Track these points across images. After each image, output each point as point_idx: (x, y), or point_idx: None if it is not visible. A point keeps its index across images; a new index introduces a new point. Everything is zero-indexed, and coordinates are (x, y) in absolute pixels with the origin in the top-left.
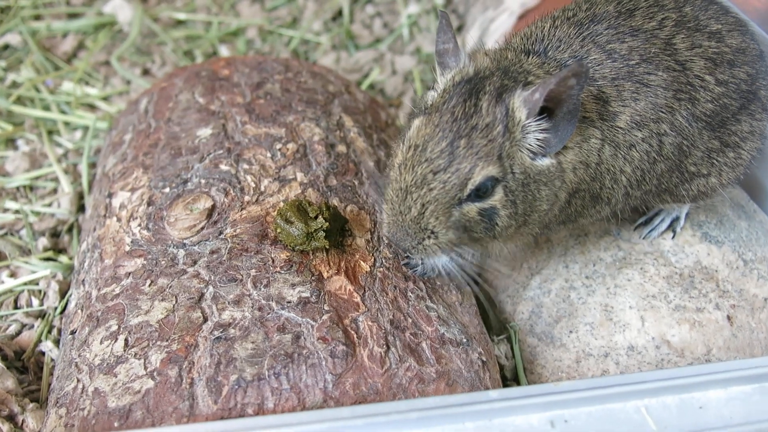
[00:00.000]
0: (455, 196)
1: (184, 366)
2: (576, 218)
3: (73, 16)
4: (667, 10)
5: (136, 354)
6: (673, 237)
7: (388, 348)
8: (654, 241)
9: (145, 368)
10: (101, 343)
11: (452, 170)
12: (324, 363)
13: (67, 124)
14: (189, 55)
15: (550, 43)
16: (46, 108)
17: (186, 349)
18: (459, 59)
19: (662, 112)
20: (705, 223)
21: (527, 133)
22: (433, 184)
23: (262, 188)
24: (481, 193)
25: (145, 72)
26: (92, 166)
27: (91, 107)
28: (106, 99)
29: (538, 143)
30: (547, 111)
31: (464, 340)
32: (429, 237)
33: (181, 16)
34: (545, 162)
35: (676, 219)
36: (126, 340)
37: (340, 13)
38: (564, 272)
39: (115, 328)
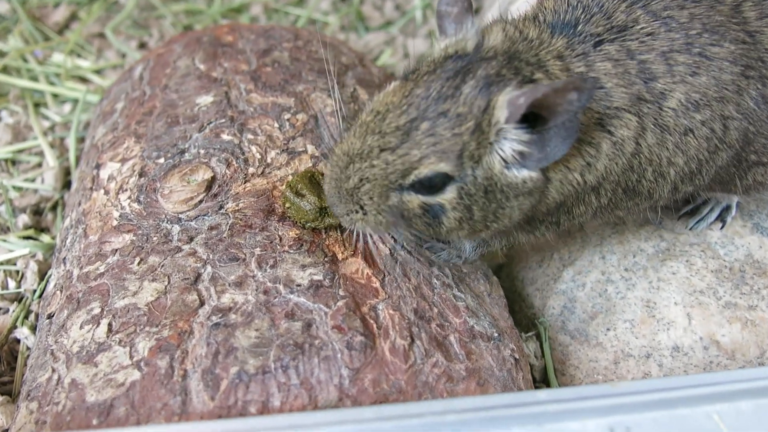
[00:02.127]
0: (395, 181)
1: (176, 356)
2: (604, 213)
3: None
4: None
5: (120, 341)
6: (722, 228)
7: (413, 340)
8: (700, 231)
9: (131, 357)
10: (81, 328)
11: (400, 153)
12: (339, 356)
13: (55, 96)
14: (189, 30)
15: (584, 12)
16: (34, 79)
17: (179, 337)
18: (462, 27)
19: (728, 90)
20: (756, 213)
21: (503, 139)
22: (375, 161)
23: (269, 160)
24: (428, 186)
25: (142, 45)
26: (81, 141)
27: (83, 80)
28: (98, 72)
29: (513, 153)
30: (540, 121)
31: (495, 335)
32: (357, 212)
33: None
34: (521, 174)
35: (727, 209)
36: (110, 324)
37: None
38: (600, 264)
39: (97, 311)
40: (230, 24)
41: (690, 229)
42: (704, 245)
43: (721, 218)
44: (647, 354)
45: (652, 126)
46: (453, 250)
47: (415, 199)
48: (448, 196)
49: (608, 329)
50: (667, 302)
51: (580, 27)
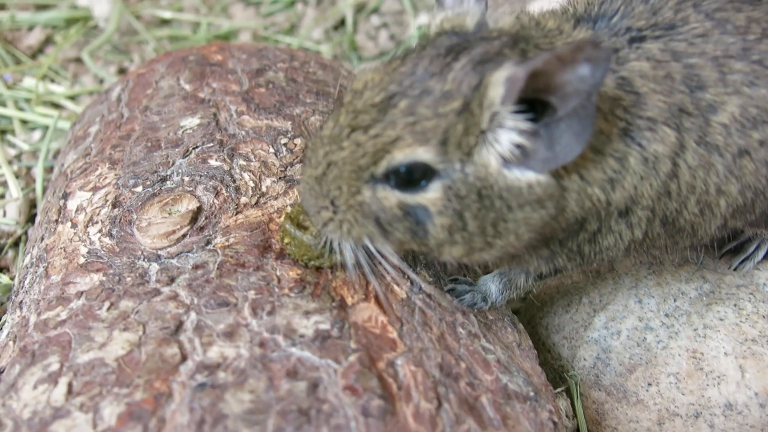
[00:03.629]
0: (366, 169)
1: (151, 425)
2: (639, 252)
3: (42, 7)
4: None
5: (82, 405)
6: None
7: (440, 403)
8: (747, 272)
9: (95, 427)
10: (35, 388)
11: (372, 133)
12: (354, 424)
13: (24, 122)
14: None
15: (624, 5)
16: (1, 104)
17: (155, 400)
18: (463, 0)
19: None
20: None
21: (498, 127)
22: (345, 143)
23: (264, 189)
24: (406, 179)
25: (121, 71)
26: (51, 171)
27: (56, 106)
28: (73, 98)
29: (512, 148)
30: (547, 111)
31: (531, 394)
32: (327, 208)
33: (166, 14)
34: (524, 177)
35: None
36: (70, 384)
37: (342, 21)
38: (636, 308)
39: (55, 367)
40: (219, 43)
41: (735, 269)
42: (752, 287)
43: None
44: (696, 413)
45: (695, 145)
46: (477, 293)
47: (391, 196)
48: (432, 195)
49: (650, 384)
50: (716, 352)
51: (615, 19)
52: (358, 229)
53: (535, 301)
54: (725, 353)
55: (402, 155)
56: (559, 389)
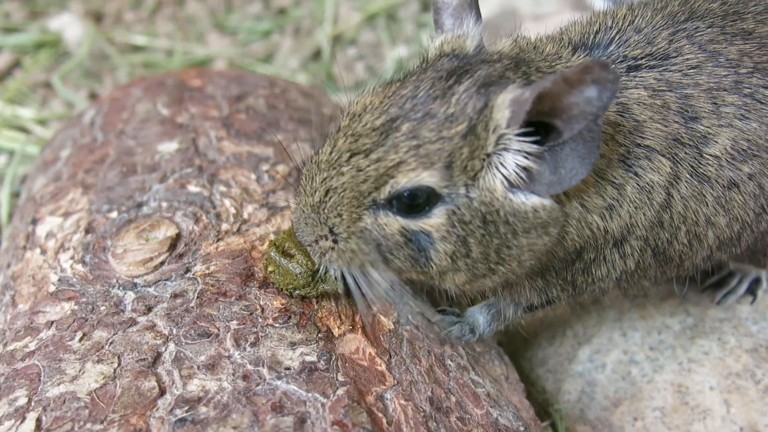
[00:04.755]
0: (368, 194)
1: None
2: (630, 282)
3: (11, 30)
4: None
5: None
6: (753, 302)
7: None
8: (729, 306)
9: None
10: (1, 424)
11: (374, 157)
12: None
13: None
14: None
15: (619, 34)
16: None
17: None
18: (462, 23)
19: None
20: None
21: (504, 151)
22: (345, 168)
23: (246, 216)
24: (409, 204)
25: (92, 96)
26: (17, 197)
27: (23, 131)
28: (42, 123)
29: (518, 171)
30: (552, 134)
31: (522, 429)
32: (326, 237)
33: (140, 40)
34: (530, 201)
35: (756, 281)
36: (38, 420)
37: (319, 52)
38: (621, 342)
39: (23, 401)
40: (198, 68)
41: (717, 303)
42: (735, 321)
43: (751, 291)
44: None
45: (688, 175)
46: (465, 324)
47: (393, 222)
48: (436, 221)
49: (635, 419)
50: (701, 387)
51: (612, 48)
52: (361, 257)
53: (522, 332)
54: (710, 387)
55: (406, 179)
56: (544, 423)
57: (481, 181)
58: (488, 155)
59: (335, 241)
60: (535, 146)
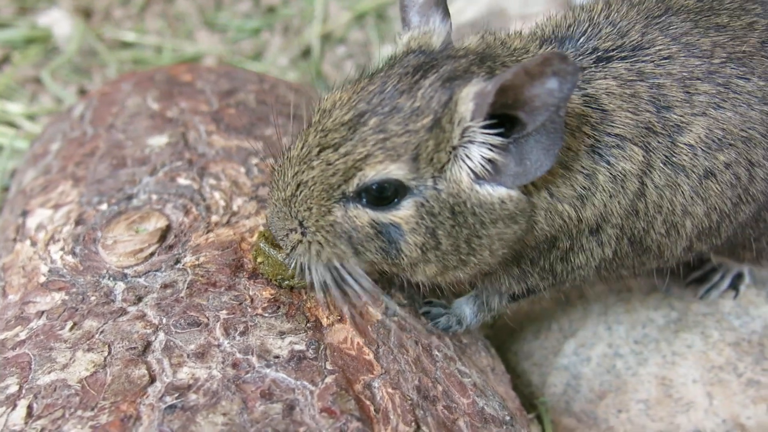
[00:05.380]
0: (338, 187)
1: None
2: (608, 271)
3: (0, 26)
4: (756, 15)
5: (43, 429)
6: (736, 296)
7: (418, 426)
8: (712, 300)
9: None
10: None
11: (343, 151)
12: None
13: None
14: None
15: (591, 27)
16: None
17: (122, 424)
18: (429, 20)
19: (756, 130)
20: None
21: (470, 143)
22: (314, 162)
23: (235, 208)
24: (377, 197)
25: (82, 92)
26: (6, 191)
27: (12, 126)
28: (31, 118)
29: (484, 163)
30: (516, 127)
31: (507, 418)
32: (296, 230)
33: (129, 37)
34: (496, 193)
35: (739, 276)
36: (29, 407)
37: (308, 50)
38: (606, 335)
39: (14, 389)
40: (188, 64)
41: (701, 297)
42: (718, 315)
43: (734, 286)
44: None
45: (661, 164)
46: (452, 316)
47: (363, 215)
48: (404, 213)
49: (620, 411)
50: (685, 379)
51: (582, 40)
52: (328, 251)
53: (510, 324)
54: (693, 380)
55: (374, 172)
56: (530, 415)
57: (448, 173)
58: (454, 148)
59: (303, 234)
60: (499, 138)
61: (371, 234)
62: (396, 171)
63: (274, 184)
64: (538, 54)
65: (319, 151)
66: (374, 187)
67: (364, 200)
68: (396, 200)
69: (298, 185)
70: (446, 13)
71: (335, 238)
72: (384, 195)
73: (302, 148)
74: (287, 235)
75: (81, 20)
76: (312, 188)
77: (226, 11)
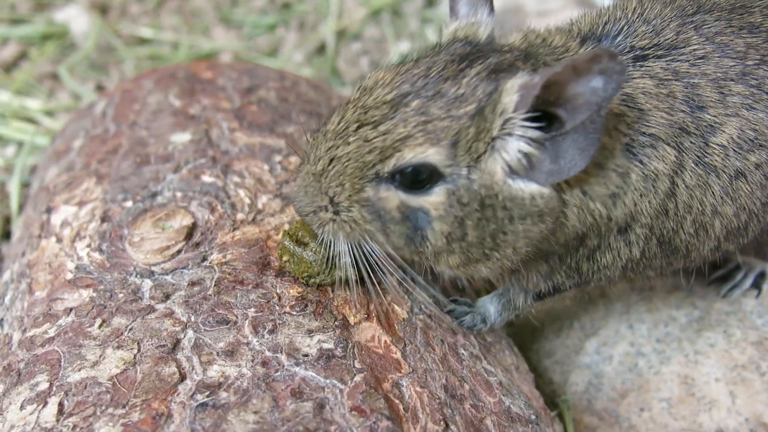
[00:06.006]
0: (372, 166)
1: None
2: (635, 272)
3: (17, 21)
4: None
5: (75, 426)
6: (758, 295)
7: (447, 425)
8: (735, 299)
9: None
10: (22, 408)
11: (382, 129)
12: None
13: None
14: None
15: (627, 26)
16: None
17: (153, 421)
18: (477, 11)
19: None
20: None
21: (509, 134)
22: (351, 138)
23: (260, 206)
24: (411, 180)
25: (99, 88)
26: (27, 187)
27: (31, 121)
28: (49, 114)
29: (520, 157)
30: (555, 125)
31: (533, 417)
32: (326, 208)
33: (147, 33)
34: (528, 189)
35: (761, 275)
36: (60, 404)
37: (323, 46)
38: (628, 334)
39: (45, 386)
40: (209, 61)
41: (723, 296)
42: (741, 314)
43: (757, 285)
44: None
45: (693, 165)
46: (477, 314)
47: (394, 197)
48: (435, 199)
49: (642, 409)
50: (707, 378)
51: (619, 38)
52: (359, 229)
53: (533, 322)
54: (716, 379)
55: (412, 154)
56: (552, 413)
57: (483, 164)
58: (493, 139)
59: (336, 213)
60: (538, 132)
61: (397, 219)
62: (434, 155)
63: (305, 158)
64: (579, 53)
65: (358, 128)
66: (410, 170)
67: (398, 182)
68: (428, 185)
69: (332, 160)
70: (492, 8)
71: (369, 214)
72: (418, 179)
73: (339, 123)
74: (315, 212)
75: (97, 16)
76: (346, 164)
77: (242, 7)
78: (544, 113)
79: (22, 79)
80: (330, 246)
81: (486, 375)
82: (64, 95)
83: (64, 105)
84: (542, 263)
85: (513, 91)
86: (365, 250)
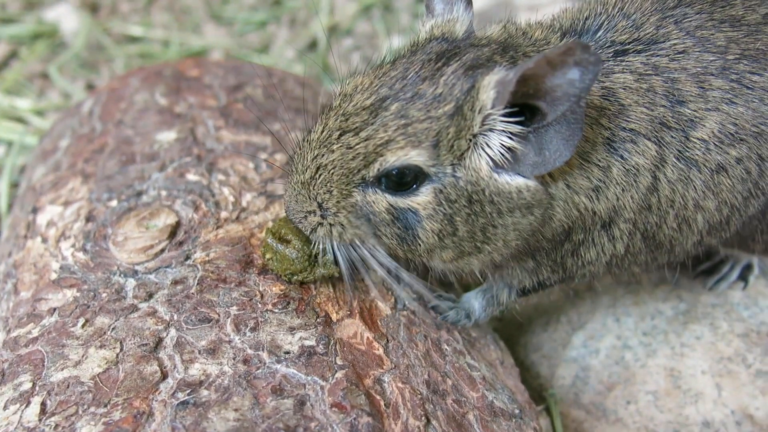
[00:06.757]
0: (357, 172)
1: None
2: (620, 267)
3: (7, 21)
4: None
5: (57, 426)
6: (745, 287)
7: (428, 421)
8: (721, 292)
9: None
10: (6, 408)
11: (364, 135)
12: None
13: None
14: None
15: (608, 21)
16: None
17: (134, 420)
18: (452, 8)
19: (767, 126)
20: None
21: (490, 131)
22: (335, 146)
23: (244, 204)
24: (397, 182)
25: (89, 87)
26: (16, 187)
27: (20, 121)
28: (39, 113)
29: (503, 151)
30: (537, 117)
31: (517, 411)
32: (314, 213)
33: (137, 31)
34: (514, 182)
35: (748, 267)
36: (43, 404)
37: (315, 43)
38: (615, 327)
39: (28, 386)
40: (195, 59)
41: (710, 289)
42: (727, 306)
43: (743, 277)
44: (674, 431)
45: (674, 159)
46: (461, 310)
47: (381, 200)
48: (423, 199)
49: (629, 402)
50: (693, 371)
51: (600, 33)
52: (350, 231)
53: (518, 318)
54: (702, 371)
55: (395, 158)
56: (539, 407)
57: (468, 161)
58: (474, 135)
59: (323, 216)
60: (519, 127)
61: (388, 220)
62: (417, 157)
63: (293, 168)
64: (559, 44)
65: (340, 135)
66: (394, 172)
67: (384, 185)
68: (415, 186)
69: (318, 168)
70: (469, 2)
71: (357, 218)
72: (404, 180)
73: (322, 132)
74: (305, 217)
75: (87, 15)
76: (332, 171)
77: (233, 4)
78: (526, 106)
79: (12, 79)
80: (314, 244)
81: (469, 370)
82: (55, 94)
83: (54, 104)
84: (528, 259)
85: (489, 87)
86: (354, 251)
